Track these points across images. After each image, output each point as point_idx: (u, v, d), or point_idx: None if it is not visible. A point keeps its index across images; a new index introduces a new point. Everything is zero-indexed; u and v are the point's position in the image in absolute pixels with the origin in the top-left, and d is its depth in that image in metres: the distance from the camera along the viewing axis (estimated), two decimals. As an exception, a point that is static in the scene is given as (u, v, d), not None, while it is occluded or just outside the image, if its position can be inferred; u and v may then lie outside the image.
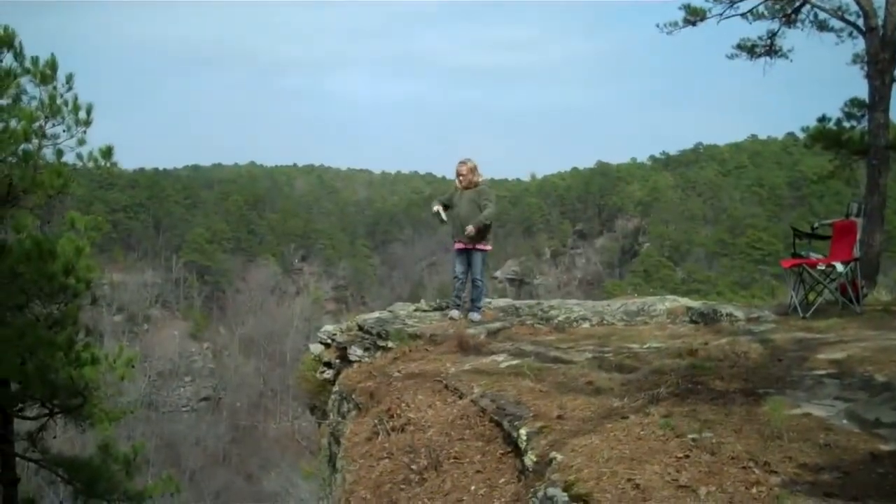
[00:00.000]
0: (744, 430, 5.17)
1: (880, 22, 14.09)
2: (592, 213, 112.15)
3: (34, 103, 13.02)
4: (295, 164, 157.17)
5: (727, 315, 9.99)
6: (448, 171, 11.40)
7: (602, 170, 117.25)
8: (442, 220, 11.36)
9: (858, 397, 5.82)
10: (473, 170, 11.28)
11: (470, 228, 10.87)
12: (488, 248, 11.40)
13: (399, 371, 9.10)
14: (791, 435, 4.99)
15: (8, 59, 12.90)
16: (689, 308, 10.89)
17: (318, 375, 12.27)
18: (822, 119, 16.62)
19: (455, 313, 11.52)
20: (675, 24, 16.38)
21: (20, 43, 12.88)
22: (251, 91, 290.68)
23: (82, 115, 13.24)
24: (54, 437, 14.70)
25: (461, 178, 11.25)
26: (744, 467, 4.60)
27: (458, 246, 11.28)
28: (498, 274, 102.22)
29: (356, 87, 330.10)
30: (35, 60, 13.04)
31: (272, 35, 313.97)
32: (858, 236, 10.58)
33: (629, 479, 4.63)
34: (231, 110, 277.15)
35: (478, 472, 6.26)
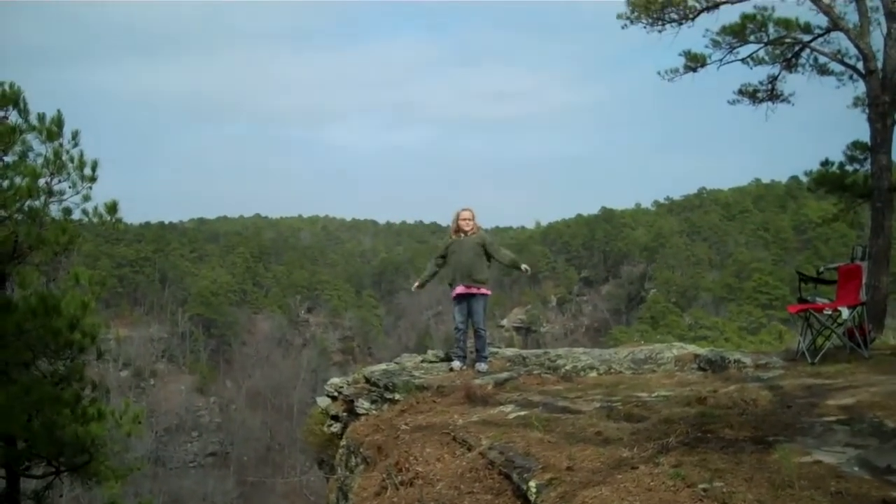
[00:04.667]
0: (754, 479, 5.13)
1: (880, 65, 14.17)
2: (598, 260, 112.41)
3: (40, 160, 13.17)
4: (300, 215, 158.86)
5: (735, 362, 9.95)
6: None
7: (606, 216, 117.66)
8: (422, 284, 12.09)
9: (869, 443, 5.78)
10: (473, 218, 11.36)
11: (527, 268, 11.77)
12: (488, 292, 11.29)
13: (407, 423, 9.02)
14: (802, 483, 4.95)
15: (13, 116, 13.07)
16: (696, 355, 10.83)
17: (325, 429, 12.17)
18: (825, 163, 16.67)
19: (456, 364, 11.26)
20: (676, 70, 16.48)
21: (24, 99, 13.04)
22: (255, 143, 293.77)
23: (87, 171, 13.40)
24: (61, 496, 14.58)
25: (465, 221, 11.28)
26: (755, 517, 4.56)
27: (460, 290, 11.07)
28: (504, 322, 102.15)
29: (359, 137, 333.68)
30: (41, 117, 13.20)
31: (273, 88, 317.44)
32: (864, 280, 10.55)
33: (640, 531, 4.59)
34: (235, 163, 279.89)
35: (487, 525, 6.20)
